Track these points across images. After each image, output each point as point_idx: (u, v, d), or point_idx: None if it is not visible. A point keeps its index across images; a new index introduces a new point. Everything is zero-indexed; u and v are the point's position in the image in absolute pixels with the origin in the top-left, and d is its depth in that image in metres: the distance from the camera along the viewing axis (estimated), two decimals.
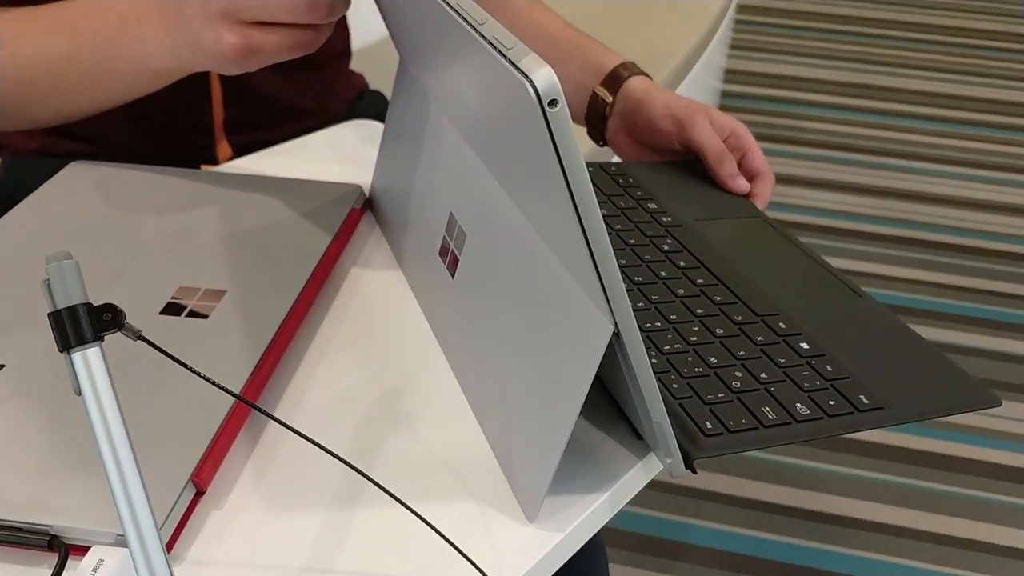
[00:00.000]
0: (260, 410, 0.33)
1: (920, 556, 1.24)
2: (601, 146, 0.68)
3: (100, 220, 0.51)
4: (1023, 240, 2.13)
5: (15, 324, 0.43)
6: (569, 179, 0.27)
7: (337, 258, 0.51)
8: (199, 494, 0.35)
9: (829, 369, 0.43)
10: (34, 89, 0.54)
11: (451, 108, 0.43)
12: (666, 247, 0.52)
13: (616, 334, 0.32)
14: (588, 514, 0.37)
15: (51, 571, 0.32)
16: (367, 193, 0.57)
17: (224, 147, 0.70)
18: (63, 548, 0.32)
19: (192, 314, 0.44)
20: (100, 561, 0.31)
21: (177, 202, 0.53)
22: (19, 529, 0.33)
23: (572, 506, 0.37)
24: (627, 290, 0.46)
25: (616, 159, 0.67)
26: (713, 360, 0.42)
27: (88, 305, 0.27)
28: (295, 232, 0.51)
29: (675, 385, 0.40)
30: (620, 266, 0.48)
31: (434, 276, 0.46)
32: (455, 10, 0.29)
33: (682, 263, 0.51)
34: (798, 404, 0.40)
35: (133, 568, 0.28)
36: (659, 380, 0.40)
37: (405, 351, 0.45)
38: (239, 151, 0.69)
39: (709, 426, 0.38)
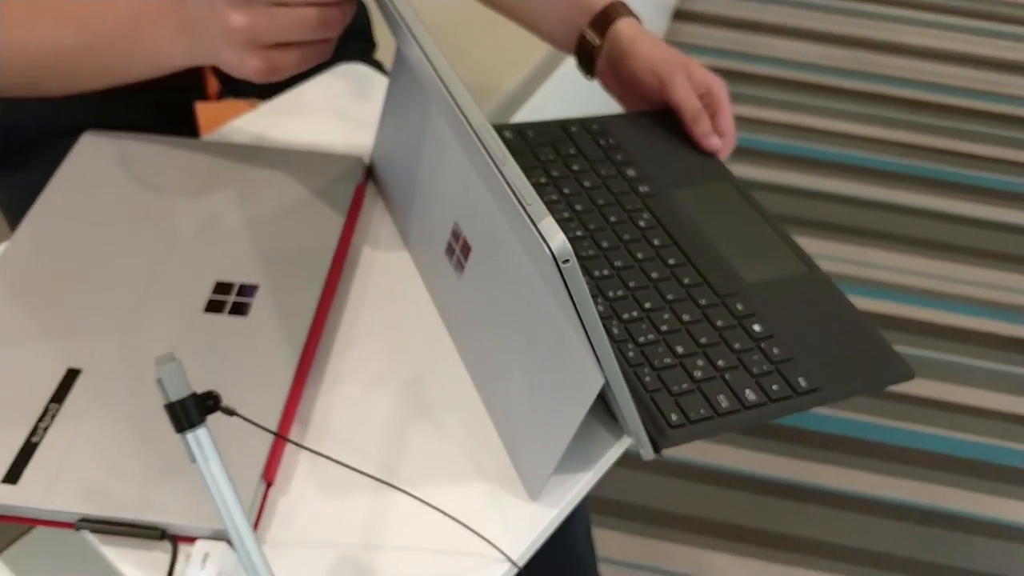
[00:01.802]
0: (303, 447, 0.41)
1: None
2: (590, 80, 0.73)
3: (127, 204, 0.56)
4: (993, 97, 2.18)
5: (82, 326, 0.49)
6: (580, 312, 0.34)
7: (350, 241, 0.57)
8: (268, 486, 0.44)
9: (776, 352, 0.52)
10: (47, 75, 0.57)
11: (456, 129, 0.48)
12: (642, 223, 0.59)
13: (605, 383, 0.40)
14: (578, 488, 0.46)
15: (168, 556, 0.41)
16: (366, 160, 0.62)
17: (213, 82, 0.73)
18: (174, 541, 0.41)
19: (233, 310, 0.51)
20: (207, 555, 0.40)
21: (195, 180, 0.58)
22: (135, 525, 0.41)
23: (566, 483, 0.46)
24: (607, 276, 0.54)
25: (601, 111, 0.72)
26: (680, 349, 0.51)
27: (194, 396, 0.34)
28: (309, 214, 0.57)
29: (647, 379, 0.49)
30: (601, 249, 0.56)
31: (441, 270, 0.53)
32: (481, 142, 0.34)
33: (656, 241, 0.58)
34: (747, 390, 0.49)
35: (232, 556, 0.37)
36: (635, 373, 0.49)
37: (420, 338, 0.53)
38: (226, 83, 0.72)
39: (674, 418, 0.47)
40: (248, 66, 0.49)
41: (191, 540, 0.41)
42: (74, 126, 0.66)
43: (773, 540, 1.27)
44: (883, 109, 2.08)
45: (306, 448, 0.45)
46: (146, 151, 0.60)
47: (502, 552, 0.43)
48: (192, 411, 0.34)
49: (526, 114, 1.27)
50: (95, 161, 0.59)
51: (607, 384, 0.40)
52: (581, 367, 0.40)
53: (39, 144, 0.76)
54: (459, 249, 0.51)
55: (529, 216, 0.32)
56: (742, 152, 1.88)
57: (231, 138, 0.65)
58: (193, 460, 0.35)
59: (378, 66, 0.84)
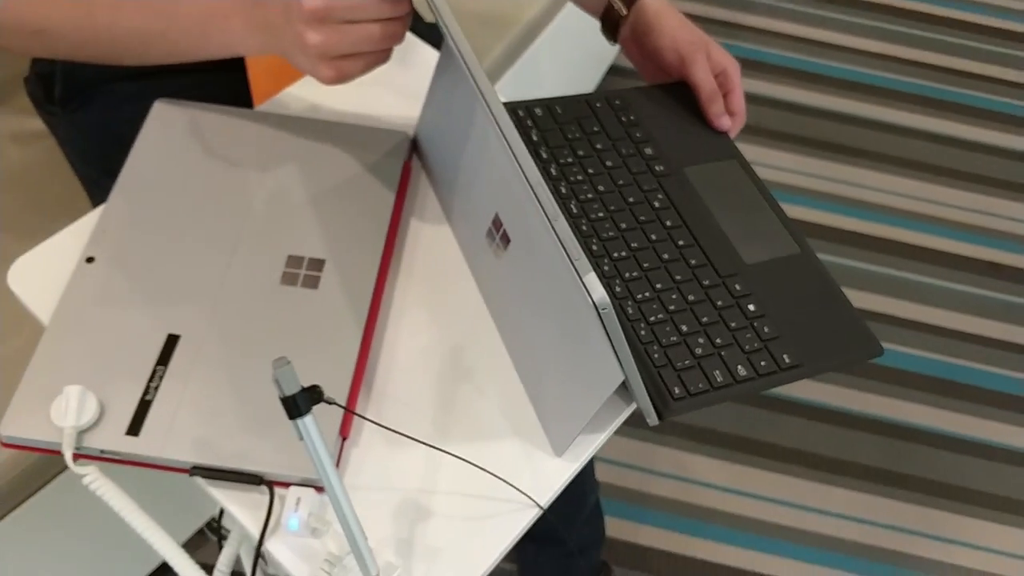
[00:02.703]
0: (362, 416, 0.50)
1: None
2: (613, 45, 0.79)
3: (202, 176, 0.63)
4: (1006, 13, 2.18)
5: (176, 294, 0.57)
6: (614, 343, 0.42)
7: (400, 216, 0.65)
8: (344, 440, 0.54)
9: (766, 330, 0.61)
10: (127, 52, 0.63)
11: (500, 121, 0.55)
12: (657, 203, 0.66)
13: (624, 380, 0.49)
14: (594, 446, 0.56)
15: (265, 498, 0.51)
16: (411, 133, 0.69)
17: None
18: (270, 487, 0.51)
19: (305, 283, 0.59)
20: (299, 499, 0.50)
21: (259, 152, 0.65)
22: (238, 473, 0.51)
23: (584, 442, 0.56)
24: (625, 258, 0.62)
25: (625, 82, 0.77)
26: (684, 328, 0.60)
27: (303, 391, 0.43)
28: (363, 189, 0.64)
29: (656, 355, 0.58)
30: (620, 231, 0.64)
31: (481, 250, 0.61)
32: (535, 193, 0.41)
33: (668, 222, 0.65)
34: (739, 366, 0.58)
35: (318, 499, 0.47)
36: (645, 351, 0.58)
37: (462, 309, 0.61)
38: None
39: (677, 391, 0.56)
40: (320, 74, 0.55)
41: (285, 485, 0.51)
42: (130, 73, 0.71)
43: (750, 446, 1.41)
44: (892, 22, 2.08)
45: (369, 420, 0.55)
46: (213, 122, 0.66)
47: (532, 500, 0.53)
48: (302, 403, 0.43)
49: (544, 42, 1.30)
50: (169, 132, 0.65)
51: (625, 379, 0.49)
52: (605, 364, 0.49)
53: (97, 87, 0.81)
54: (499, 237, 0.58)
55: (576, 271, 0.39)
56: (748, 65, 1.91)
57: (286, 105, 0.71)
58: (301, 439, 0.44)
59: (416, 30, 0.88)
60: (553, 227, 0.41)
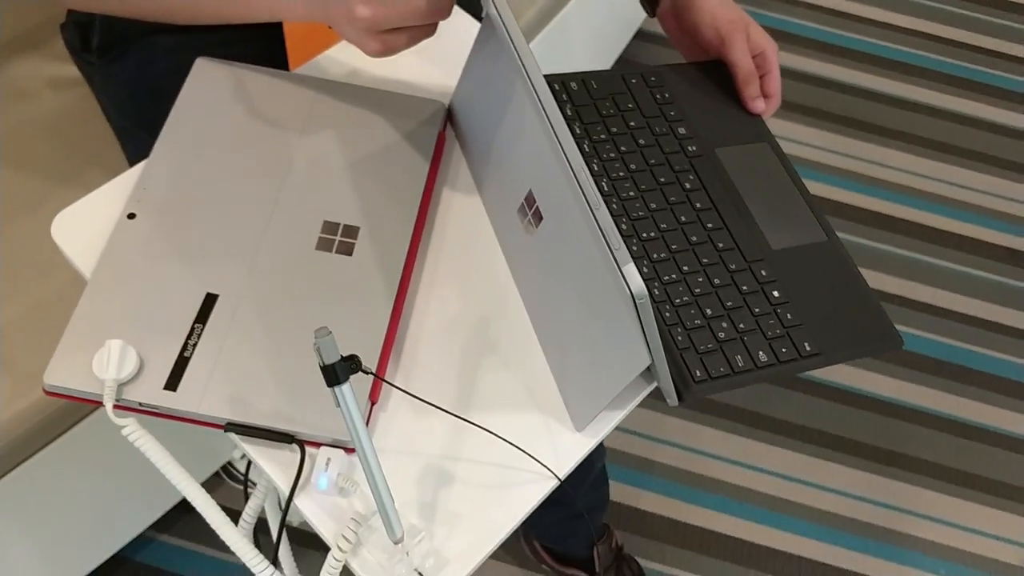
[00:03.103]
0: (393, 385, 0.51)
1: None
2: (651, 17, 0.79)
3: (241, 136, 0.64)
4: None
5: (215, 253, 0.58)
6: (645, 331, 0.43)
7: (433, 186, 0.66)
8: (373, 404, 0.55)
9: (789, 317, 0.62)
10: (172, 12, 0.63)
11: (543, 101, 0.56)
12: (688, 184, 0.67)
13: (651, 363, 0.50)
14: (614, 423, 0.58)
15: (296, 456, 0.53)
16: (446, 103, 0.69)
17: None
18: (301, 446, 0.53)
19: (340, 249, 0.60)
20: (328, 460, 0.52)
21: (298, 115, 0.65)
22: (271, 431, 0.53)
23: (604, 419, 0.57)
24: (653, 239, 0.63)
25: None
26: (708, 311, 0.61)
27: (342, 361, 0.44)
28: (398, 157, 0.64)
29: (679, 338, 0.59)
30: (650, 211, 0.65)
31: (512, 225, 0.62)
32: (577, 179, 0.42)
33: (698, 204, 0.66)
34: (760, 352, 0.60)
35: (347, 460, 0.49)
36: (669, 333, 0.59)
37: (490, 281, 0.62)
38: None
39: (698, 374, 0.58)
40: (368, 47, 0.55)
41: (315, 444, 0.53)
42: (168, 27, 0.72)
43: (757, 420, 1.43)
44: None
45: (399, 388, 0.56)
46: (254, 82, 0.67)
47: (552, 472, 0.55)
48: (341, 372, 0.44)
49: (575, 5, 1.29)
50: (210, 91, 0.66)
51: (651, 364, 0.50)
52: (632, 345, 0.50)
53: (136, 39, 0.81)
54: (531, 214, 0.59)
55: (616, 260, 0.40)
56: (773, 35, 1.89)
57: (324, 69, 0.71)
58: (338, 406, 0.45)
59: None
60: (595, 215, 0.42)
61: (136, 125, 0.86)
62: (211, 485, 1.19)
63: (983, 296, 1.59)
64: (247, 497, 0.67)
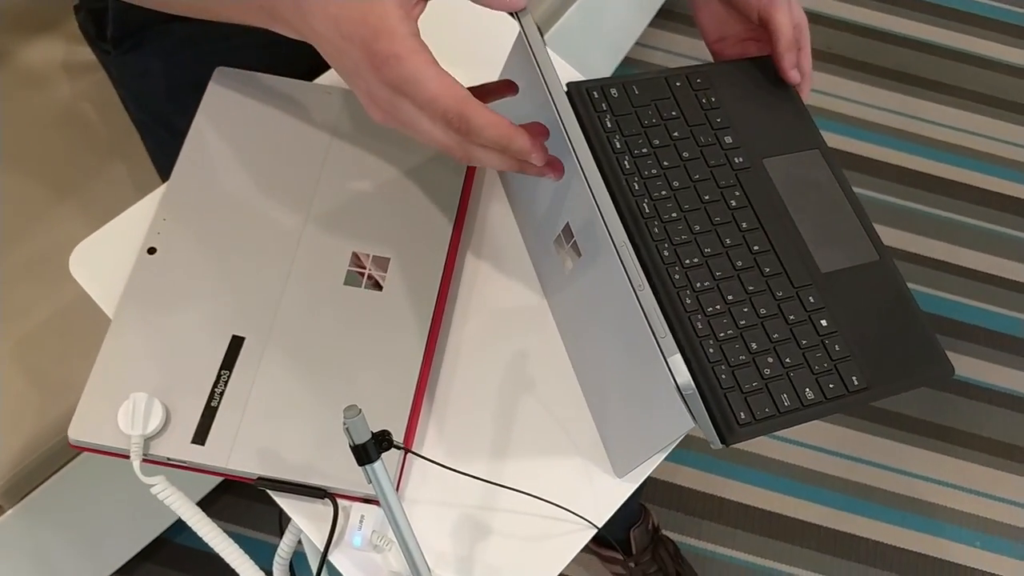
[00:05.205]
0: (422, 456, 0.50)
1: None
2: None
3: (263, 157, 0.61)
4: None
5: (239, 293, 0.56)
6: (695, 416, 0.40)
7: (467, 207, 0.63)
8: (407, 452, 0.54)
9: (837, 349, 0.59)
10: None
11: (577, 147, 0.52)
12: (733, 202, 0.63)
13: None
14: (653, 466, 0.56)
15: (330, 510, 0.51)
16: None
17: None
18: (334, 501, 0.51)
19: (369, 284, 0.57)
20: (362, 517, 0.51)
21: (322, 131, 0.62)
22: (303, 486, 0.52)
23: (645, 465, 0.55)
24: (697, 265, 0.60)
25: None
26: (754, 346, 0.58)
27: (373, 438, 0.42)
28: (429, 180, 0.61)
29: (723, 376, 0.56)
30: (693, 233, 0.61)
31: (549, 255, 0.59)
32: (622, 262, 0.39)
33: (744, 224, 0.62)
34: (807, 389, 0.57)
35: (382, 518, 0.48)
36: (712, 371, 0.56)
37: (526, 313, 0.60)
38: None
39: (743, 416, 0.55)
40: (370, 112, 0.51)
41: (349, 498, 0.52)
42: (181, 16, 0.68)
43: None
44: None
45: (429, 459, 0.55)
46: (275, 97, 0.63)
47: (590, 522, 0.53)
48: (372, 451, 0.42)
49: None
50: (229, 109, 0.63)
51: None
52: (676, 409, 0.48)
53: (149, 28, 0.78)
54: (569, 247, 0.56)
55: (661, 349, 0.38)
56: None
57: None
58: (369, 482, 0.44)
59: None
60: (638, 297, 0.39)
61: (155, 120, 0.83)
62: (244, 505, 1.19)
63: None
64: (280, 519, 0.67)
